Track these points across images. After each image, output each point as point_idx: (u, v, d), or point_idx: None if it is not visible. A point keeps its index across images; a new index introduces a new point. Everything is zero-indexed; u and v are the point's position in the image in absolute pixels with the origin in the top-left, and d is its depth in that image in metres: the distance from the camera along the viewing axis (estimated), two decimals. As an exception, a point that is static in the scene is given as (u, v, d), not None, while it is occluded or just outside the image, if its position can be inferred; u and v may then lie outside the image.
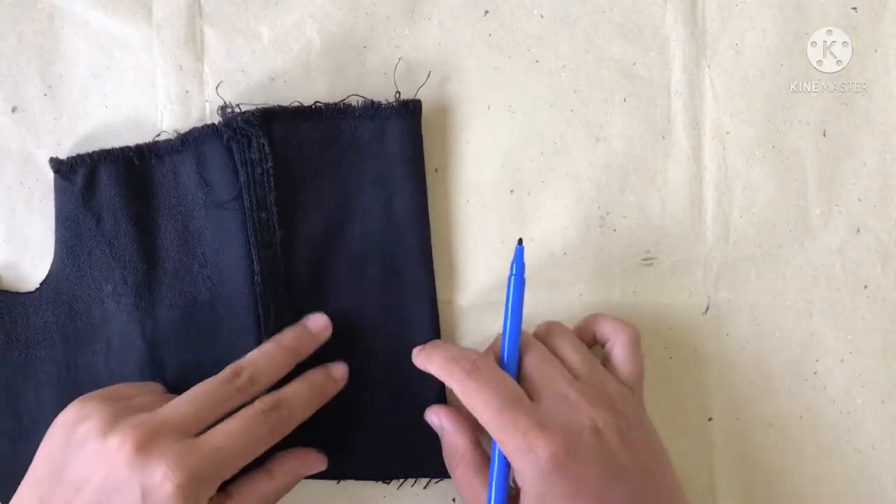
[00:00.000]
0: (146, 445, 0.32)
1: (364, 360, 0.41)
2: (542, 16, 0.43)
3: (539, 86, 0.43)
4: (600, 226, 0.43)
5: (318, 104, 0.41)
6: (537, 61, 0.43)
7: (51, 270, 0.41)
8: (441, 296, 0.42)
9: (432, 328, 0.41)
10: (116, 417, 0.34)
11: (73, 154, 0.40)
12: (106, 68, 0.42)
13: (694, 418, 0.43)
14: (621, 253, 0.43)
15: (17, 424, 0.40)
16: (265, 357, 0.38)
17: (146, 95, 0.42)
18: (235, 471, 0.34)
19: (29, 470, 0.34)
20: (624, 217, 0.43)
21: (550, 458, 0.33)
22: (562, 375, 0.36)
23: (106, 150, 0.40)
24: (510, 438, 0.33)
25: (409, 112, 0.41)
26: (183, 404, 0.35)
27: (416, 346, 0.40)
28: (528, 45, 0.43)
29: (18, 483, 0.39)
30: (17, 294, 0.41)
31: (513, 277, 0.38)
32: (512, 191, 0.43)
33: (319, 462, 0.40)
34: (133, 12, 0.42)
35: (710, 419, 0.43)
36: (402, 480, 0.42)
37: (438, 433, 0.40)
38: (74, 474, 0.33)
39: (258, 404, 0.36)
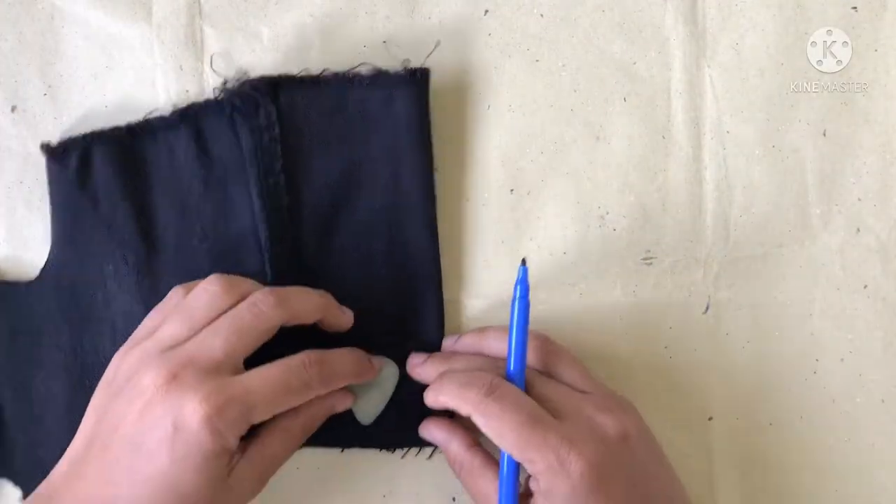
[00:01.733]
0: (177, 378, 0.32)
1: (369, 330, 0.41)
2: (542, 16, 0.43)
3: (539, 86, 0.43)
4: (600, 226, 0.43)
5: (325, 72, 0.41)
6: (537, 61, 0.43)
7: (50, 256, 0.41)
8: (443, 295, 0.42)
9: (436, 299, 0.41)
10: (149, 353, 0.34)
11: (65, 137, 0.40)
12: (106, 68, 0.42)
13: (694, 418, 0.43)
14: (621, 253, 0.43)
15: (28, 412, 0.40)
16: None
17: (146, 95, 0.42)
18: (266, 416, 0.34)
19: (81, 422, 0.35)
20: (624, 217, 0.43)
21: (585, 473, 0.32)
22: (571, 392, 0.36)
23: (97, 132, 0.40)
24: (541, 456, 0.33)
25: (416, 80, 0.40)
26: (212, 336, 0.34)
27: (421, 317, 0.41)
28: (528, 45, 0.43)
29: (35, 470, 0.39)
30: (18, 283, 0.41)
31: (517, 301, 0.37)
32: (512, 191, 0.43)
33: (345, 399, 0.39)
34: (133, 12, 0.42)
35: (710, 419, 0.43)
36: (399, 484, 0.42)
37: (439, 446, 0.40)
38: (112, 414, 0.33)
39: (302, 356, 0.35)
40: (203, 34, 0.42)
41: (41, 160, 0.42)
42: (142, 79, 0.42)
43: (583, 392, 0.37)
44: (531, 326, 0.37)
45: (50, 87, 0.42)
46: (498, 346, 0.38)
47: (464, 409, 0.35)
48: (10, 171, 0.42)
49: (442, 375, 0.38)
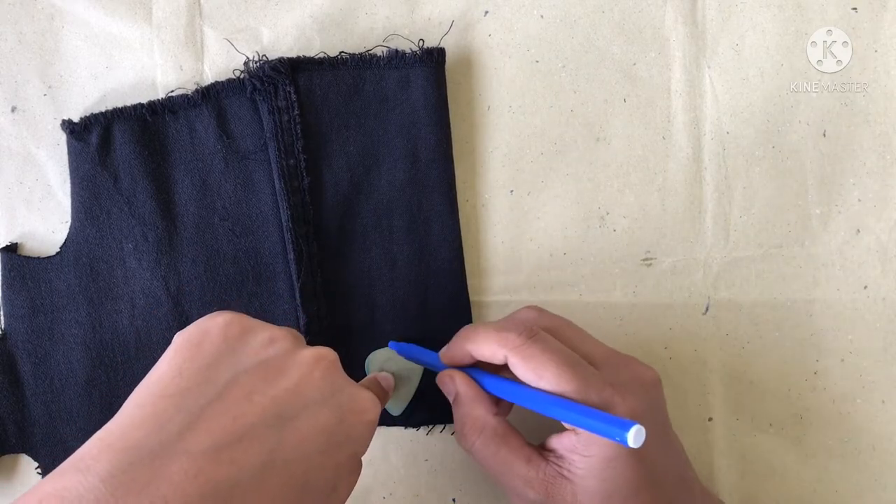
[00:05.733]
0: (340, 370, 0.31)
1: (392, 308, 0.41)
2: (542, 16, 0.43)
3: (539, 86, 0.43)
4: (600, 226, 0.43)
5: (342, 54, 0.41)
6: (537, 61, 0.43)
7: (70, 233, 0.41)
8: (441, 296, 0.42)
9: (459, 275, 0.42)
10: (295, 338, 0.32)
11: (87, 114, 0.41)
12: (106, 68, 0.42)
13: (694, 418, 0.43)
14: (621, 253, 0.43)
15: (47, 387, 0.40)
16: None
17: (146, 95, 0.42)
18: None
19: (157, 378, 0.28)
20: (624, 217, 0.43)
21: (628, 416, 0.32)
22: (599, 343, 0.37)
23: (119, 109, 0.41)
24: (583, 398, 0.32)
25: (433, 60, 0.41)
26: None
27: (443, 293, 0.41)
28: (528, 45, 0.43)
29: (54, 445, 0.40)
30: (38, 259, 0.41)
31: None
32: (512, 191, 0.43)
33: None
34: (133, 12, 0.42)
35: (710, 419, 0.43)
36: (399, 485, 0.42)
37: (450, 400, 0.37)
38: (245, 384, 0.28)
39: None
40: (203, 34, 0.42)
41: (41, 160, 0.42)
42: (142, 79, 0.42)
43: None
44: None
45: (50, 87, 0.42)
46: (486, 351, 0.35)
47: (500, 353, 0.34)
48: (10, 171, 0.42)
49: (471, 326, 0.37)
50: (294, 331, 0.32)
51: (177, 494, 0.24)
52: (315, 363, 0.30)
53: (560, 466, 0.34)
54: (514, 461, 0.35)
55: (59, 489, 0.23)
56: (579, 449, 0.33)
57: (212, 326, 0.30)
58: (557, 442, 0.34)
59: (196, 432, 0.26)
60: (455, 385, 0.37)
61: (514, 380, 0.35)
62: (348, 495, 0.31)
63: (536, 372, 0.33)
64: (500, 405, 0.37)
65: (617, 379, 0.34)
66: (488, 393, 0.36)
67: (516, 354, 0.34)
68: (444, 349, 0.37)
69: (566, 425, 0.33)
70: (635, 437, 0.29)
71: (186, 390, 0.27)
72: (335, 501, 0.30)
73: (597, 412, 0.31)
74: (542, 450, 0.35)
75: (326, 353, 0.31)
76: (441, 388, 0.38)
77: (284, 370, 0.29)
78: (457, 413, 0.36)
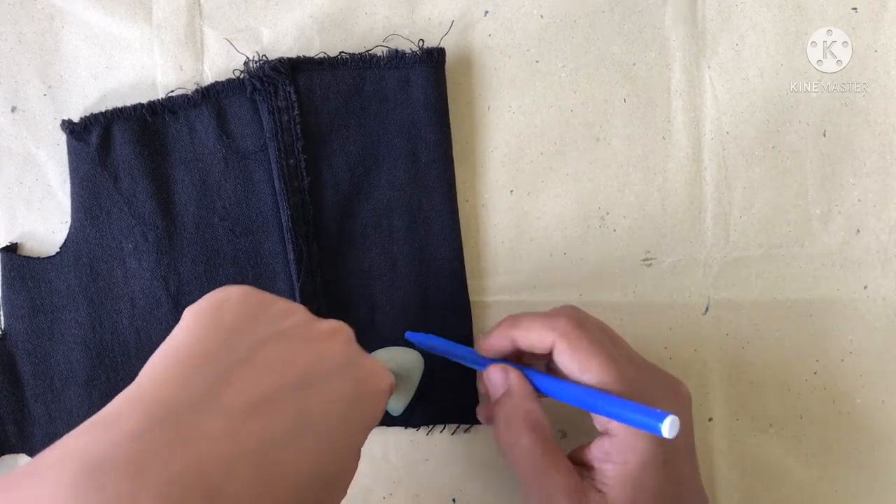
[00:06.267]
0: (356, 343, 0.31)
1: (392, 308, 0.41)
2: (542, 16, 0.43)
3: (539, 86, 0.43)
4: (600, 226, 0.43)
5: (342, 54, 0.41)
6: (537, 61, 0.43)
7: (70, 233, 0.41)
8: (441, 296, 0.42)
9: (459, 275, 0.42)
10: (307, 312, 0.31)
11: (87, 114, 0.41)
12: (106, 68, 0.42)
13: (694, 418, 0.43)
14: (621, 253, 0.43)
15: (48, 387, 0.40)
16: None
17: (146, 95, 0.42)
18: None
19: (178, 344, 0.27)
20: (624, 217, 0.43)
21: (673, 419, 0.31)
22: (635, 353, 0.36)
23: (119, 109, 0.41)
24: (629, 393, 0.32)
25: (433, 60, 0.41)
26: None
27: (443, 293, 0.41)
28: (528, 45, 0.43)
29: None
30: (38, 259, 0.41)
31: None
32: (512, 191, 0.43)
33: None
34: (133, 12, 0.42)
35: (710, 419, 0.43)
36: (399, 485, 0.42)
37: (495, 393, 0.36)
38: (270, 350, 0.27)
39: None
40: (203, 34, 0.42)
41: (41, 160, 0.42)
42: (142, 79, 0.42)
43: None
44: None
45: (50, 87, 0.42)
46: (533, 336, 0.34)
47: (548, 338, 0.33)
48: (10, 171, 0.42)
49: (514, 314, 0.36)
50: (304, 307, 0.32)
51: (212, 452, 0.22)
52: (333, 334, 0.30)
53: (593, 479, 0.33)
54: (560, 467, 0.33)
55: (82, 445, 0.21)
56: (613, 456, 0.33)
57: (228, 297, 0.29)
58: (588, 453, 0.34)
59: (230, 390, 0.25)
60: (508, 379, 0.35)
61: (548, 373, 0.35)
62: (349, 484, 0.30)
63: (582, 363, 0.33)
64: None
65: (654, 386, 0.34)
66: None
67: (565, 340, 0.33)
68: (483, 337, 0.36)
69: (598, 426, 0.33)
70: (670, 426, 0.29)
71: (210, 352, 0.26)
72: (342, 483, 0.29)
73: (633, 404, 0.31)
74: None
75: (342, 326, 0.31)
76: (486, 382, 0.36)
77: (306, 339, 0.29)
78: (505, 405, 0.35)
